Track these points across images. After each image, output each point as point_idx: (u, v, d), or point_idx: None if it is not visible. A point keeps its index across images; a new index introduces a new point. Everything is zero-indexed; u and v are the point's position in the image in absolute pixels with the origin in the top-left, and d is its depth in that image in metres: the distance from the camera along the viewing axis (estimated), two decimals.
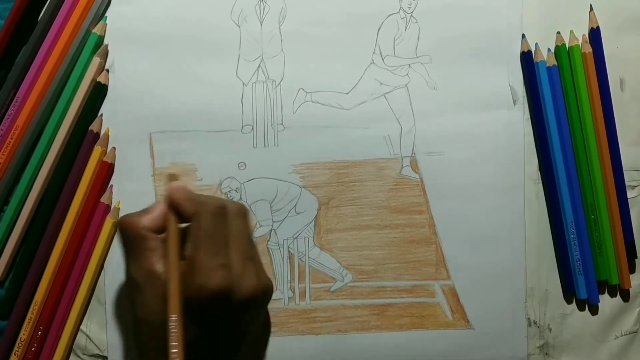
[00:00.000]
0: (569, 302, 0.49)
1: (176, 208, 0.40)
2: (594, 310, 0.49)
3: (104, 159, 0.48)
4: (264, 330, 0.43)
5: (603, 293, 0.49)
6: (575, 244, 0.48)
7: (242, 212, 0.40)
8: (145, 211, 0.40)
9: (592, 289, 0.48)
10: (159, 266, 0.38)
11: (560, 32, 0.49)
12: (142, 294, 0.38)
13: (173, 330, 0.35)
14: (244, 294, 0.38)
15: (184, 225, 0.40)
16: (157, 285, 0.37)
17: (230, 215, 0.39)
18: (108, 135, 0.48)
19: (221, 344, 0.39)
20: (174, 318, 0.36)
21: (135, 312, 0.38)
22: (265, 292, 0.40)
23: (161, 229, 0.40)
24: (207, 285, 0.36)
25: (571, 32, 0.49)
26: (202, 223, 0.38)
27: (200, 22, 0.48)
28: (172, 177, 0.43)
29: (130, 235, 0.39)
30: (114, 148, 0.48)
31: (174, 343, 0.35)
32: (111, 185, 0.48)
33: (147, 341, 0.38)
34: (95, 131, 0.48)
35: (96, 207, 0.48)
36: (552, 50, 0.49)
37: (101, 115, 0.48)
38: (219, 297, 0.37)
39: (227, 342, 0.39)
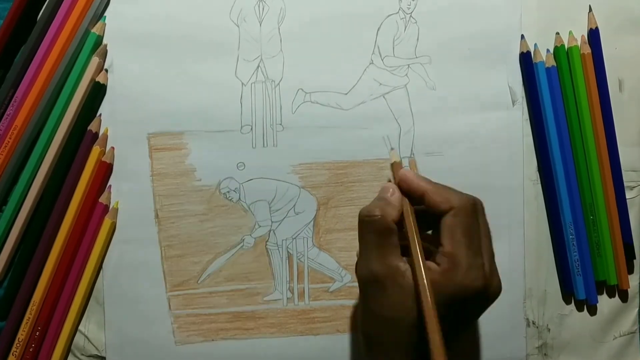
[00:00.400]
0: (567, 302, 0.49)
1: (417, 197, 0.39)
2: (592, 311, 0.49)
3: (103, 159, 0.48)
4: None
5: (601, 293, 0.49)
6: (574, 244, 0.48)
7: (483, 207, 0.39)
8: (386, 202, 0.39)
9: (590, 290, 0.48)
10: (401, 263, 0.37)
11: (559, 32, 0.49)
12: (384, 291, 0.37)
13: (433, 329, 0.34)
14: (492, 293, 0.38)
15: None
16: (400, 282, 0.36)
17: (479, 211, 0.39)
18: (107, 135, 0.48)
19: (459, 340, 0.38)
20: (432, 315, 0.34)
21: (375, 309, 0.37)
22: (498, 294, 0.39)
23: (399, 219, 0.39)
24: (471, 284, 0.36)
25: (570, 32, 0.49)
26: (462, 217, 0.37)
27: (199, 22, 0.48)
28: (397, 165, 0.41)
29: (382, 229, 0.37)
30: (113, 148, 0.48)
31: (436, 342, 0.33)
32: (110, 185, 0.48)
33: (391, 340, 0.37)
34: (94, 131, 0.48)
35: (95, 207, 0.48)
36: (551, 51, 0.49)
37: (100, 115, 0.48)
38: (477, 296, 0.36)
39: (463, 339, 0.38)
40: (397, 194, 0.39)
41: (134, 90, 0.48)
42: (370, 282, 0.37)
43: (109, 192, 0.48)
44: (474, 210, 0.38)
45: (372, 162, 0.49)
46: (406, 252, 0.38)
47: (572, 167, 0.48)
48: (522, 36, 0.49)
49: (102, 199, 0.48)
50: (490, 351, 0.49)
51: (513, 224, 0.49)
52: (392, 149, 0.47)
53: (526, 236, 0.49)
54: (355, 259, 0.48)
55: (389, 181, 0.41)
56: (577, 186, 0.48)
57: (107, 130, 0.48)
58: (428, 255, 0.37)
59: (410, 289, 0.36)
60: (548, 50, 0.49)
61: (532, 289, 0.49)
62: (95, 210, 0.48)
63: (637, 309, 0.49)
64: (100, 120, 0.48)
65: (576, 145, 0.48)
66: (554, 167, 0.48)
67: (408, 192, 0.39)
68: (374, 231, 0.38)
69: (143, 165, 0.48)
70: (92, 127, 0.48)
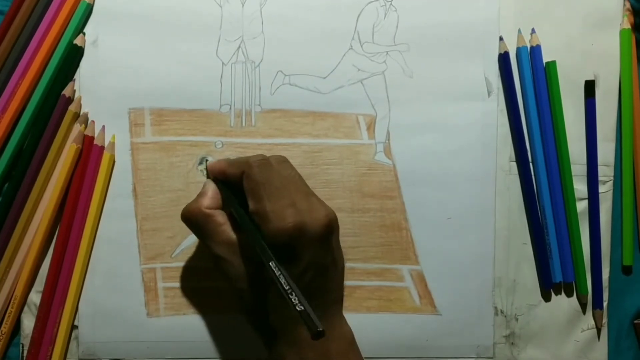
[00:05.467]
0: (536, 293, 0.50)
1: (224, 177, 0.42)
2: (569, 292, 0.49)
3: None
4: (339, 260, 0.44)
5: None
6: (548, 232, 0.49)
7: (284, 160, 0.42)
8: (200, 195, 0.43)
9: (567, 271, 0.49)
10: (233, 235, 0.41)
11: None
12: (232, 266, 0.41)
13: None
14: (318, 225, 0.40)
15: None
16: (239, 253, 0.40)
17: (275, 164, 0.41)
18: (87, 115, 0.49)
19: (311, 280, 0.40)
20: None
21: (234, 285, 0.41)
22: (334, 220, 0.41)
23: (220, 205, 0.42)
24: (282, 226, 0.38)
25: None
26: (253, 176, 0.40)
27: (183, 1, 0.49)
28: (210, 165, 0.45)
29: (198, 219, 0.41)
30: (94, 122, 0.49)
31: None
32: None
33: (252, 308, 0.41)
34: (67, 95, 0.48)
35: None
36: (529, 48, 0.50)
37: (74, 80, 0.49)
38: (296, 234, 0.38)
39: (313, 277, 0.40)
40: (211, 184, 0.43)
41: (117, 66, 0.49)
42: (217, 264, 0.41)
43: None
44: (264, 163, 0.41)
45: (348, 146, 0.50)
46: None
47: (552, 153, 0.49)
48: (501, 38, 0.50)
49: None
50: (457, 338, 0.49)
51: (484, 212, 0.49)
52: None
53: (497, 226, 0.50)
54: None
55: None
56: (557, 174, 0.49)
57: (87, 113, 0.49)
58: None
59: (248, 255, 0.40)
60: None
61: (502, 278, 0.49)
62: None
63: (605, 303, 0.50)
64: (74, 87, 0.49)
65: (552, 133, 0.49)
66: (530, 156, 0.49)
67: (220, 177, 0.43)
68: (191, 223, 0.42)
69: (123, 139, 0.49)
70: (66, 91, 0.48)
